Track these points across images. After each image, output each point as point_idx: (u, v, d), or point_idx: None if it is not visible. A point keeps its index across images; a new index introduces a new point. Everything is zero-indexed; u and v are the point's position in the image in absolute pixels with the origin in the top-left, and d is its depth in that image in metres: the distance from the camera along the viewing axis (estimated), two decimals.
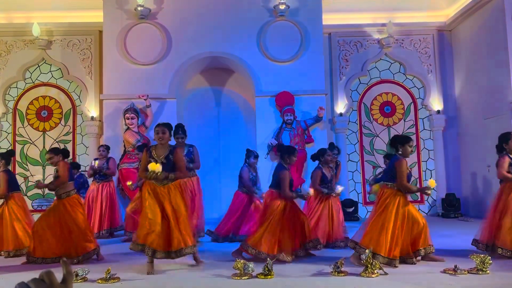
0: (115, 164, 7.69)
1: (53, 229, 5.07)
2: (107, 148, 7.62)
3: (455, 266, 4.17)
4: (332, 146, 7.35)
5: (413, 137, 9.73)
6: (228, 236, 6.52)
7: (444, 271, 4.21)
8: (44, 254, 5.06)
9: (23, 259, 5.23)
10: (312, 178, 6.15)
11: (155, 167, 4.46)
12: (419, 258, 4.70)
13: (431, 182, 4.71)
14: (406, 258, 4.64)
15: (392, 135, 9.52)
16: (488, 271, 4.10)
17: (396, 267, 4.43)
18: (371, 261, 4.12)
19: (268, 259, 4.32)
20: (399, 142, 4.78)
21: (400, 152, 4.74)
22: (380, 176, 7.87)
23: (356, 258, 4.62)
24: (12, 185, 5.92)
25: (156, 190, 4.59)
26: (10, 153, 6.18)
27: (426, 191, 4.81)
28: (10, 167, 6.24)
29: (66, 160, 5.31)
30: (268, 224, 4.99)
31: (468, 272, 4.12)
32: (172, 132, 5.17)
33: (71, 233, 5.04)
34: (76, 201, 5.17)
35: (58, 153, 5.21)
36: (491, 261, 4.14)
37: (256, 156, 6.78)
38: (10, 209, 5.78)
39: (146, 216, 4.51)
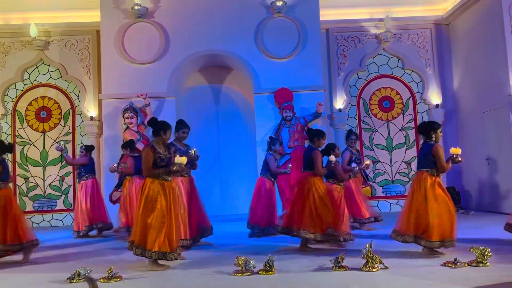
0: (132, 162, 7.20)
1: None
2: (86, 148, 7.75)
3: (455, 259, 4.19)
4: (350, 133, 7.44)
5: (412, 132, 9.78)
6: (269, 227, 6.39)
7: (444, 264, 4.23)
8: None
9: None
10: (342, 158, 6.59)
11: (183, 159, 4.49)
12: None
13: (455, 151, 4.81)
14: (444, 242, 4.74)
15: (392, 129, 9.57)
16: (488, 264, 4.12)
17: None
18: (371, 255, 4.15)
19: (269, 254, 4.35)
20: (432, 129, 4.90)
21: (434, 139, 4.87)
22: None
23: (428, 251, 4.73)
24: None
25: (164, 186, 4.58)
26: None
27: (456, 160, 4.82)
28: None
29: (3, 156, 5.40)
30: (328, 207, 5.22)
31: (468, 265, 4.14)
32: (174, 127, 5.34)
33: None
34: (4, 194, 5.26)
35: None
36: (490, 254, 4.16)
37: (281, 143, 6.95)
38: None
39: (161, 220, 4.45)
